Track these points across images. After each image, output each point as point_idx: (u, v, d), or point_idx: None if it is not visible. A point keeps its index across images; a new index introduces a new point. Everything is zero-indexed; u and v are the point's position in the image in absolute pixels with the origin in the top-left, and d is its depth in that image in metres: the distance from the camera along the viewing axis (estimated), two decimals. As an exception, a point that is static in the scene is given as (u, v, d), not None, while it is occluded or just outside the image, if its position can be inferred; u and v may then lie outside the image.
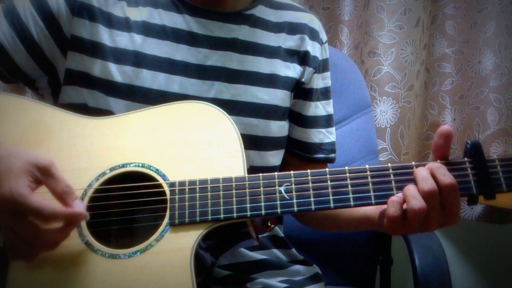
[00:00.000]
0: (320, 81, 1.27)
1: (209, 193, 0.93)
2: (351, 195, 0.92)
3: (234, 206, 0.92)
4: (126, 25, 1.09)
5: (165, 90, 1.08)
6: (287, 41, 1.21)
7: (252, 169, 0.98)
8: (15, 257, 0.87)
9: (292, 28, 1.23)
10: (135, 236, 0.99)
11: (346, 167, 0.94)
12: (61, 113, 1.04)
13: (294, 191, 0.93)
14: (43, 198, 0.83)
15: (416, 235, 1.31)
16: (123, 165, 0.97)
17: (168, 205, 0.93)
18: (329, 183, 0.93)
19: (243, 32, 1.16)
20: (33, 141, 0.99)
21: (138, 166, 0.97)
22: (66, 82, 1.10)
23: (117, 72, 1.07)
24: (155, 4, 1.13)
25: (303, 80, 1.22)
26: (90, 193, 0.94)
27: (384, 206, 0.95)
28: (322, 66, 1.27)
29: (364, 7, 1.88)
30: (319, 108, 1.27)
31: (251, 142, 1.10)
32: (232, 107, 1.06)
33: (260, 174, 0.95)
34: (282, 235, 1.27)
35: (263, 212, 0.92)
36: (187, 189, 0.94)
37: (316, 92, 1.26)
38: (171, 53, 1.10)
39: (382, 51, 1.81)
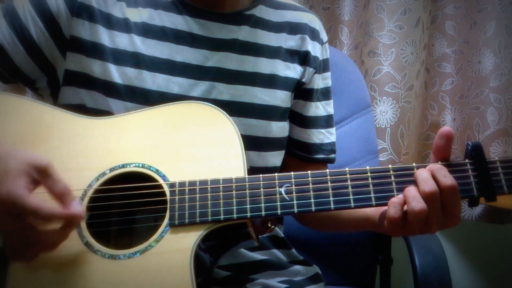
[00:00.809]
0: (320, 82, 1.27)
1: (209, 194, 0.93)
2: (351, 196, 0.92)
3: (234, 207, 0.92)
4: (125, 26, 1.09)
5: (165, 91, 1.08)
6: (288, 41, 1.21)
7: (252, 170, 0.98)
8: (14, 258, 0.87)
9: (293, 28, 1.22)
10: (135, 237, 0.99)
11: (347, 168, 0.94)
12: (61, 113, 1.04)
13: (294, 192, 0.92)
14: (41, 198, 0.82)
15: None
16: (123, 166, 0.97)
17: (168, 205, 0.93)
18: (329, 184, 0.93)
19: (243, 33, 1.16)
20: (33, 141, 0.99)
21: (138, 166, 0.97)
22: (65, 83, 1.09)
23: (116, 73, 1.07)
24: (155, 5, 1.13)
25: (303, 80, 1.22)
26: (90, 193, 0.94)
27: (385, 208, 0.95)
28: (322, 66, 1.27)
29: (364, 7, 1.88)
30: (319, 109, 1.27)
31: (251, 143, 1.10)
32: (232, 108, 1.06)
33: (260, 175, 0.94)
34: (282, 235, 1.27)
35: (263, 213, 0.92)
36: (187, 190, 0.93)
37: (317, 93, 1.26)
38: (171, 54, 1.10)
39: (382, 51, 1.81)
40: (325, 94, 1.29)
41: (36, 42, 1.08)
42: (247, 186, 0.93)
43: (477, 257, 2.11)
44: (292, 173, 0.94)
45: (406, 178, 0.92)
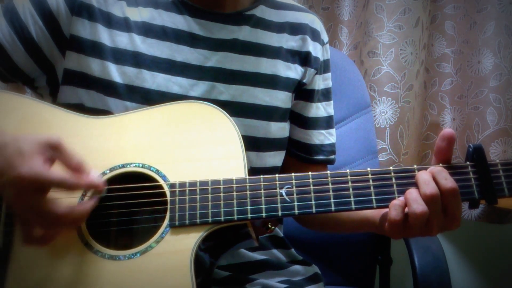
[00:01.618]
0: (321, 82, 1.27)
1: (209, 195, 0.93)
2: (352, 199, 0.91)
3: (235, 208, 0.92)
4: (125, 25, 1.09)
5: (165, 91, 1.08)
6: (289, 42, 1.21)
7: (252, 170, 0.98)
8: (31, 240, 0.87)
9: (294, 29, 1.22)
10: (135, 238, 0.99)
11: (348, 170, 0.94)
12: (61, 111, 1.03)
13: (295, 194, 0.92)
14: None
15: (415, 236, 1.32)
16: (123, 166, 0.97)
17: (168, 206, 0.93)
18: (330, 186, 0.92)
19: (243, 33, 1.16)
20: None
21: (138, 166, 0.97)
22: (64, 82, 1.09)
23: (116, 73, 1.07)
24: (156, 4, 1.12)
25: (304, 81, 1.22)
26: (89, 193, 0.94)
27: (385, 210, 0.95)
28: (323, 67, 1.27)
29: (363, 7, 1.88)
30: (320, 110, 1.27)
31: (251, 143, 1.10)
32: (232, 108, 1.05)
33: (261, 176, 0.94)
34: (282, 235, 1.27)
35: (263, 214, 0.92)
36: (187, 190, 0.93)
37: (317, 93, 1.26)
38: (171, 54, 1.10)
39: (382, 51, 1.81)
40: (326, 95, 1.29)
41: (35, 40, 1.08)
42: (247, 187, 0.93)
43: (477, 257, 2.11)
44: (293, 174, 0.94)
45: (407, 180, 0.92)
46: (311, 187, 0.93)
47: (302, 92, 1.24)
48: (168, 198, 0.93)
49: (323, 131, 1.27)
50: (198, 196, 0.93)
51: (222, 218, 0.91)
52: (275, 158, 1.21)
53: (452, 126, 1.90)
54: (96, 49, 1.08)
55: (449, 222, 0.91)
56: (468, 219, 1.89)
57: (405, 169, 0.93)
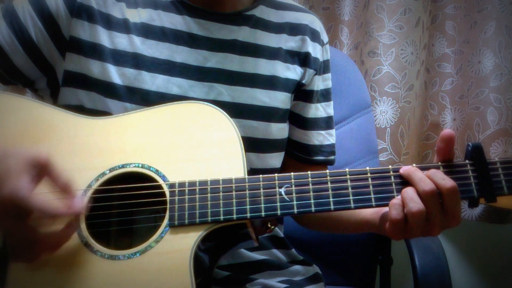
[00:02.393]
0: (320, 83, 1.27)
1: (208, 194, 0.93)
2: (351, 197, 0.91)
3: (234, 208, 0.92)
4: (125, 26, 1.09)
5: (164, 92, 1.08)
6: (288, 42, 1.21)
7: (252, 171, 0.98)
8: (16, 258, 0.87)
9: (293, 29, 1.22)
10: (134, 237, 0.99)
11: (347, 169, 0.94)
12: (61, 112, 1.03)
13: (294, 193, 0.92)
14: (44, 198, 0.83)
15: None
16: (123, 166, 0.97)
17: (168, 206, 0.93)
18: (329, 185, 0.92)
19: (243, 33, 1.16)
20: (33, 141, 0.99)
21: (138, 166, 0.97)
22: (65, 84, 1.09)
23: (116, 74, 1.07)
24: (155, 5, 1.12)
25: (303, 81, 1.22)
26: (89, 193, 0.94)
27: (385, 209, 0.95)
28: (323, 68, 1.27)
29: (364, 7, 1.88)
30: (319, 110, 1.27)
31: (251, 144, 1.10)
32: (231, 109, 1.05)
33: (260, 175, 0.94)
34: (282, 235, 1.27)
35: (263, 213, 0.92)
36: (186, 190, 0.93)
37: (317, 94, 1.26)
38: (171, 55, 1.10)
39: (382, 51, 1.81)
40: (325, 95, 1.29)
41: (35, 42, 1.08)
42: (247, 187, 0.93)
43: (477, 257, 2.11)
44: (292, 173, 0.94)
45: (405, 179, 0.92)
46: (310, 186, 0.93)
47: (302, 92, 1.23)
48: (168, 198, 0.93)
49: (322, 132, 1.27)
50: (197, 196, 0.93)
51: (222, 217, 0.91)
52: (275, 159, 1.21)
53: (452, 126, 1.89)
54: (95, 51, 1.08)
55: (449, 220, 0.90)
56: (468, 219, 1.89)
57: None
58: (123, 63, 1.08)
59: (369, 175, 0.93)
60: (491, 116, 1.79)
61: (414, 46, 1.82)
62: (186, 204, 0.92)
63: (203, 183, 0.94)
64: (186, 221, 0.91)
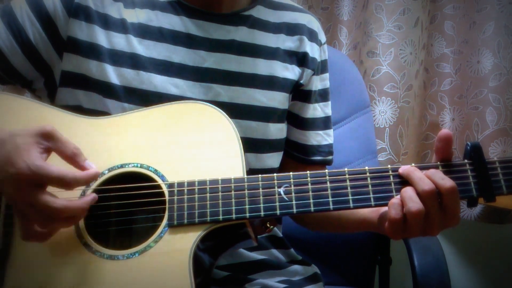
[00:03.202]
0: (318, 83, 1.27)
1: (208, 194, 0.93)
2: (350, 197, 0.92)
3: (233, 208, 0.92)
4: (122, 26, 1.09)
5: (163, 92, 1.08)
6: (286, 42, 1.21)
7: (250, 172, 0.98)
8: (30, 236, 0.86)
9: (291, 29, 1.22)
10: (133, 237, 0.99)
11: (346, 169, 0.94)
12: (59, 113, 1.04)
13: (293, 193, 0.92)
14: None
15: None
16: (122, 166, 0.97)
17: (167, 206, 0.93)
18: (328, 184, 0.93)
19: (240, 34, 1.16)
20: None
21: (137, 166, 0.97)
22: (62, 84, 1.09)
23: (114, 74, 1.07)
24: (152, 5, 1.12)
25: (301, 82, 1.22)
26: (88, 193, 0.94)
27: (384, 209, 0.95)
28: (320, 68, 1.27)
29: (363, 7, 1.88)
30: (317, 110, 1.27)
31: (249, 145, 1.10)
32: (230, 110, 1.05)
33: (259, 175, 0.94)
34: (281, 235, 1.27)
35: (262, 213, 0.92)
36: (185, 190, 0.93)
37: (315, 94, 1.26)
38: (168, 55, 1.10)
39: (381, 51, 1.81)
40: (323, 95, 1.29)
41: (32, 43, 1.08)
42: (246, 187, 0.93)
43: (477, 257, 2.11)
44: (291, 173, 0.94)
45: (404, 178, 0.92)
46: (309, 186, 0.93)
47: (299, 93, 1.23)
48: (167, 197, 0.93)
49: (320, 132, 1.27)
50: (196, 196, 0.93)
51: (221, 217, 0.91)
52: (274, 159, 1.21)
53: (451, 126, 1.90)
54: (93, 51, 1.08)
55: (448, 220, 0.90)
56: (468, 219, 1.89)
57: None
58: (121, 64, 1.07)
59: (368, 174, 0.93)
60: (490, 116, 1.79)
61: (413, 46, 1.82)
62: (185, 204, 0.92)
63: (202, 183, 0.94)
64: (185, 221, 0.91)
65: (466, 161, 0.92)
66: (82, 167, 0.88)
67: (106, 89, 1.07)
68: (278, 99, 1.17)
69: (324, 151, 1.27)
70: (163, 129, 1.01)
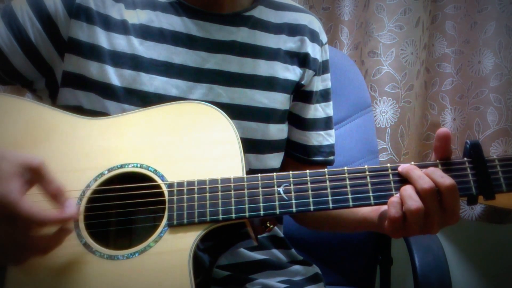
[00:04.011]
0: (319, 83, 1.26)
1: (207, 194, 0.93)
2: (350, 196, 0.91)
3: (233, 207, 0.92)
4: (123, 27, 1.09)
5: (163, 94, 1.07)
6: (287, 43, 1.20)
7: (251, 172, 0.97)
8: (5, 261, 0.86)
9: (292, 30, 1.22)
10: (133, 237, 0.99)
11: (345, 167, 0.94)
12: (59, 113, 1.03)
13: (293, 192, 0.92)
14: (33, 202, 0.82)
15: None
16: (122, 166, 0.97)
17: (167, 206, 0.93)
18: (328, 183, 0.92)
19: (242, 34, 1.16)
20: (32, 142, 0.99)
21: (137, 166, 0.97)
22: (63, 84, 1.09)
23: (114, 75, 1.07)
24: (153, 6, 1.12)
25: (302, 82, 1.22)
26: (88, 194, 0.94)
27: (384, 208, 0.94)
28: (322, 68, 1.27)
29: (364, 7, 1.88)
30: (318, 111, 1.27)
31: (250, 146, 1.10)
32: (230, 111, 1.04)
33: (259, 174, 0.94)
34: (282, 235, 1.27)
35: (261, 212, 0.92)
36: (185, 190, 0.93)
37: (316, 95, 1.26)
38: (169, 56, 1.10)
39: (382, 51, 1.81)
40: (325, 96, 1.28)
41: (33, 43, 1.08)
42: (245, 186, 0.93)
43: (477, 257, 2.11)
44: (290, 172, 0.94)
45: (404, 177, 0.92)
46: (309, 185, 0.93)
47: (301, 93, 1.23)
48: (166, 197, 0.93)
49: (321, 132, 1.27)
50: (196, 195, 0.93)
51: (220, 216, 0.91)
52: (274, 160, 1.21)
53: (452, 126, 1.90)
54: (94, 52, 1.07)
55: (448, 218, 0.90)
56: (468, 219, 1.89)
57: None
58: (121, 65, 1.07)
59: (367, 173, 0.93)
60: (491, 116, 1.79)
61: (414, 46, 1.82)
62: (185, 204, 0.92)
63: (201, 182, 0.94)
64: (185, 221, 0.91)
65: (465, 159, 0.92)
66: (61, 207, 0.85)
67: (107, 90, 1.07)
68: (279, 100, 1.17)
69: (326, 152, 1.27)
70: (163, 129, 1.01)
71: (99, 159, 0.98)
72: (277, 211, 0.92)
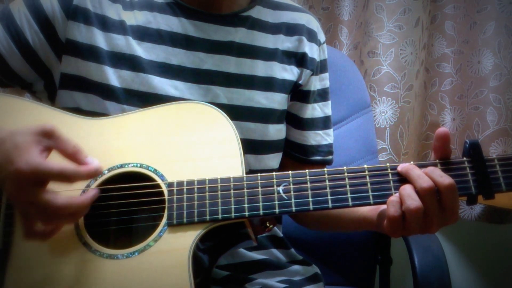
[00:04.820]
0: (317, 83, 1.26)
1: (207, 193, 0.93)
2: (349, 195, 0.91)
3: (232, 206, 0.92)
4: (121, 28, 1.09)
5: (162, 94, 1.07)
6: (285, 43, 1.20)
7: (250, 173, 0.98)
8: (32, 235, 0.86)
9: (290, 29, 1.22)
10: (133, 237, 0.99)
11: (345, 167, 0.94)
12: (59, 114, 1.04)
13: (292, 191, 0.92)
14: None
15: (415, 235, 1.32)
16: (121, 166, 0.97)
17: (166, 205, 0.93)
18: (327, 183, 0.92)
19: (240, 35, 1.16)
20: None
21: (136, 166, 0.97)
22: (62, 86, 1.09)
23: (113, 76, 1.07)
24: (151, 7, 1.12)
25: (300, 82, 1.22)
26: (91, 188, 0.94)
27: (383, 207, 0.94)
28: (320, 68, 1.27)
29: (363, 7, 1.88)
30: (316, 110, 1.26)
31: (249, 146, 1.10)
32: (229, 111, 1.04)
33: (258, 174, 0.94)
34: (281, 235, 1.27)
35: (261, 212, 0.92)
36: (185, 189, 0.93)
37: (314, 94, 1.26)
38: (167, 57, 1.10)
39: (382, 51, 1.81)
40: (323, 95, 1.28)
41: (31, 45, 1.08)
42: (245, 186, 0.93)
43: (477, 257, 2.11)
44: (290, 172, 0.94)
45: (403, 176, 0.92)
46: (308, 185, 0.93)
47: (298, 93, 1.23)
48: (166, 197, 0.93)
49: (319, 132, 1.27)
50: (195, 195, 0.93)
51: (220, 216, 0.91)
52: (273, 160, 1.21)
53: (452, 126, 1.90)
54: (92, 53, 1.07)
55: (447, 218, 0.90)
56: (468, 219, 1.89)
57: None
58: (120, 65, 1.07)
59: (366, 172, 0.93)
60: (491, 116, 1.80)
61: (414, 46, 1.82)
62: (185, 203, 0.92)
63: (201, 182, 0.94)
64: (185, 220, 0.91)
65: (464, 158, 0.92)
66: (83, 164, 0.87)
67: (106, 91, 1.07)
68: (277, 100, 1.17)
69: (324, 151, 1.27)
70: (162, 129, 1.01)
71: (99, 159, 0.96)
72: (277, 210, 0.92)
